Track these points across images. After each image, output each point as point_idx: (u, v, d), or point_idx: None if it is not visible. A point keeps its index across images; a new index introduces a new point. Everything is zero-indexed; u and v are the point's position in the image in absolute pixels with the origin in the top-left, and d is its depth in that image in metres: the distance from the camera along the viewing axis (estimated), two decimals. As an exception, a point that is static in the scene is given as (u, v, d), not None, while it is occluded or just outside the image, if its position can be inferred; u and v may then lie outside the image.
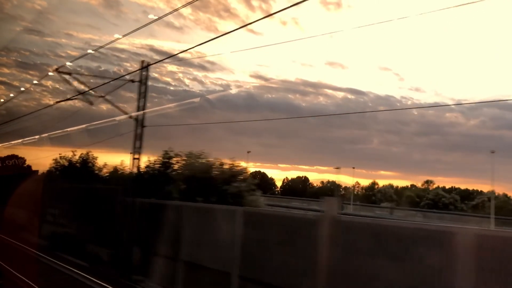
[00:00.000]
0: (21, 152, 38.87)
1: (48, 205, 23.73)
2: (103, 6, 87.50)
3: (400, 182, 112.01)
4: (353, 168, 76.73)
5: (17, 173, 33.93)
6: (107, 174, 26.18)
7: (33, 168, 36.64)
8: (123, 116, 18.17)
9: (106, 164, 26.67)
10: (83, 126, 20.65)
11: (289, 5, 9.66)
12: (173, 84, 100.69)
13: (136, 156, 17.17)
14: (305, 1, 9.14)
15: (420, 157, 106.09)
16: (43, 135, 25.54)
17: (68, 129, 21.83)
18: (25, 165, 38.40)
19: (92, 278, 14.31)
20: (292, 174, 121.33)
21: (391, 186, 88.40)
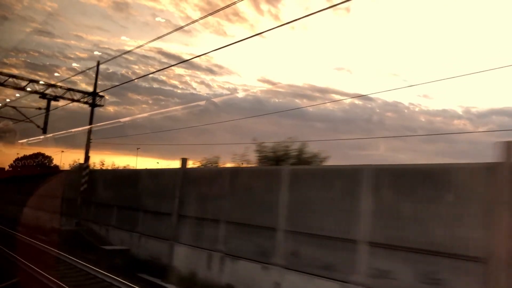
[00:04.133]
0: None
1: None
2: (112, 9, 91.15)
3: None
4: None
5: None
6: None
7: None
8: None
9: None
10: (87, 127, 20.76)
11: (306, 15, 9.83)
12: (180, 87, 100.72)
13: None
14: (320, 11, 9.24)
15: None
16: (48, 135, 25.34)
17: (73, 130, 21.89)
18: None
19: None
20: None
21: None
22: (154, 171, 18.65)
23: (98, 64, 22.33)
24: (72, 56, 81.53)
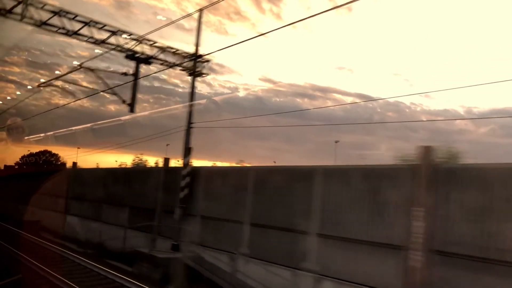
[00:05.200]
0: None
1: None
2: (114, 7, 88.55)
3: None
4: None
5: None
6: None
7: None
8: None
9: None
10: (88, 125, 19.94)
11: (309, 16, 9.96)
12: (181, 86, 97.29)
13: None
14: (323, 12, 9.34)
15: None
16: (48, 133, 24.34)
17: (73, 128, 20.86)
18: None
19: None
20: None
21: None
22: (341, 169, 11.37)
23: (201, 11, 15.19)
24: (73, 54, 78.44)
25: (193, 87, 15.34)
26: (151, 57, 14.72)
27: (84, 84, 17.38)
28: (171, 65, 15.15)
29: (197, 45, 15.57)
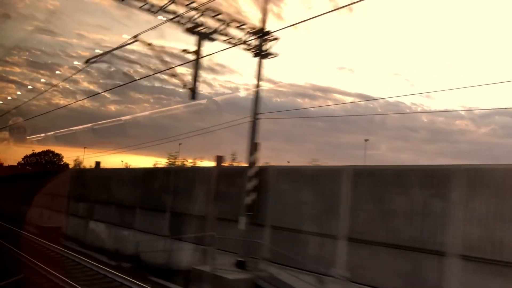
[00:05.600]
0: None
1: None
2: (115, 7, 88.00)
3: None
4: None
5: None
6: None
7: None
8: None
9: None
10: (89, 125, 20.42)
11: (311, 17, 9.79)
12: (181, 86, 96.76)
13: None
14: (326, 13, 9.42)
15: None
16: (49, 133, 24.33)
17: (74, 128, 20.99)
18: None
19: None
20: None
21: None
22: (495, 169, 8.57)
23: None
24: (74, 54, 77.62)
25: (259, 69, 12.67)
26: (215, 31, 12.08)
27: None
28: (236, 43, 12.48)
29: (263, 19, 12.92)
